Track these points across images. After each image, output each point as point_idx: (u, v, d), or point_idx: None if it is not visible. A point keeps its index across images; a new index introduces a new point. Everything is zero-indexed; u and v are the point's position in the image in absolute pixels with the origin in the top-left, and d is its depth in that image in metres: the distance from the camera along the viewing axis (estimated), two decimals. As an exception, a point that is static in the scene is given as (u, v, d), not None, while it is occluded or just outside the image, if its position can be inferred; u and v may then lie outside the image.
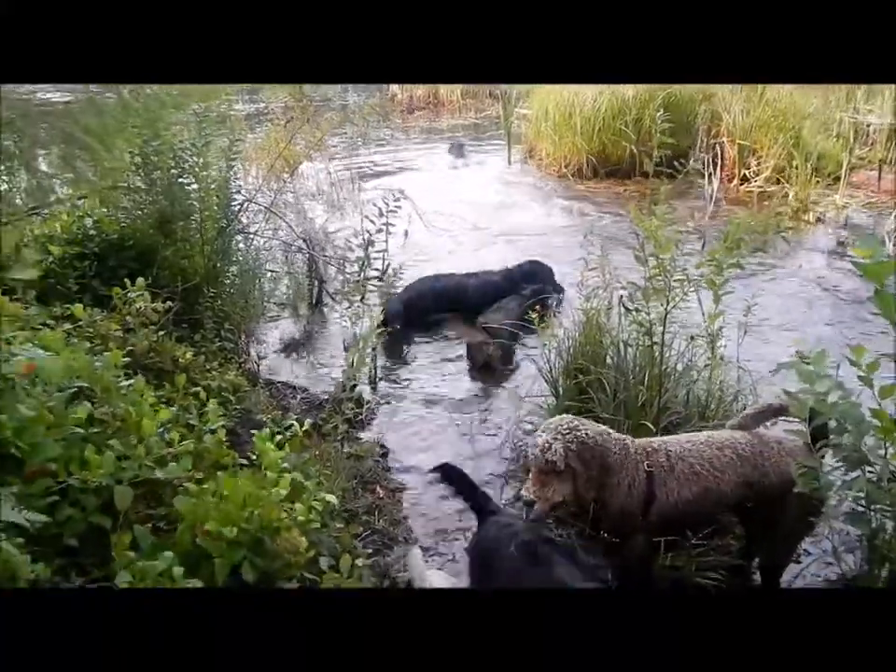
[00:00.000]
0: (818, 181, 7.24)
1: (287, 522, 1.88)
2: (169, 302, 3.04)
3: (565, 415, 2.49)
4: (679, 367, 2.99)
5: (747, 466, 2.41)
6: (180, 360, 2.95)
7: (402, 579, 2.02)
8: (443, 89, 15.29)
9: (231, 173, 4.13)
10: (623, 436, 2.46)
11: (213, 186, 4.01)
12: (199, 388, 2.50)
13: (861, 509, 2.15)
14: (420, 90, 15.41)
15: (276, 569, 1.81)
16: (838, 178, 7.50)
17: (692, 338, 3.01)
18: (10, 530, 1.51)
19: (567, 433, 2.33)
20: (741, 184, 8.15)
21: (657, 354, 2.82)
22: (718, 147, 8.27)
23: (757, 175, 8.07)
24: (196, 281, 3.76)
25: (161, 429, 2.07)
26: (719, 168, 7.54)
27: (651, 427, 2.78)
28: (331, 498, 2.08)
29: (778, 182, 7.74)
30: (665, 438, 2.56)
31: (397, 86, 15.60)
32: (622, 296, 3.13)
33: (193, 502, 1.76)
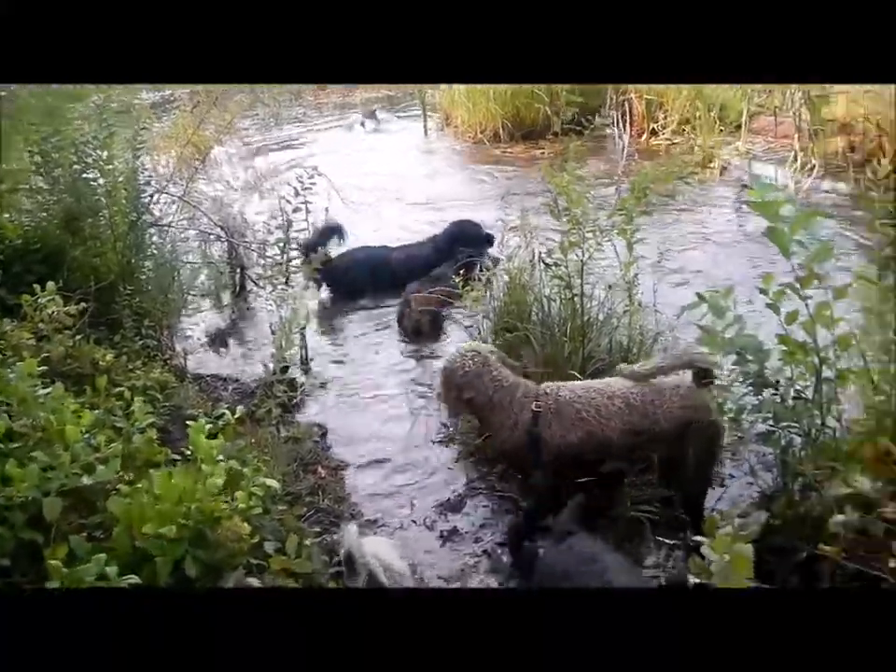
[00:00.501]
0: (720, 130, 7.45)
1: (226, 511, 1.88)
2: (83, 304, 2.95)
3: (475, 345, 2.74)
4: (601, 316, 3.09)
5: (635, 414, 2.54)
6: (100, 363, 2.87)
7: (342, 554, 2.04)
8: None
9: (139, 164, 4.00)
10: (521, 379, 2.65)
11: (120, 179, 3.89)
12: (123, 389, 2.44)
13: (771, 428, 2.30)
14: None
15: (220, 559, 1.81)
16: (740, 126, 7.77)
17: (609, 287, 3.11)
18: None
19: (463, 360, 2.61)
20: (651, 137, 8.34)
21: (578, 305, 2.90)
22: (626, 103, 8.43)
23: (664, 128, 8.26)
24: (110, 279, 3.65)
25: (87, 435, 2.03)
26: (628, 123, 7.67)
27: (578, 375, 2.87)
28: (271, 483, 2.08)
29: (685, 133, 7.94)
30: (562, 383, 2.69)
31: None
32: (540, 252, 3.19)
33: (127, 503, 1.74)
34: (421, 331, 4.42)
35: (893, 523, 1.85)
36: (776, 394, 2.28)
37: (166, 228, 4.60)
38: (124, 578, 1.53)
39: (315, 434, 3.38)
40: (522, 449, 2.61)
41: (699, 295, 2.33)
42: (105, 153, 3.77)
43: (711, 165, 7.22)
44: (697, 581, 1.93)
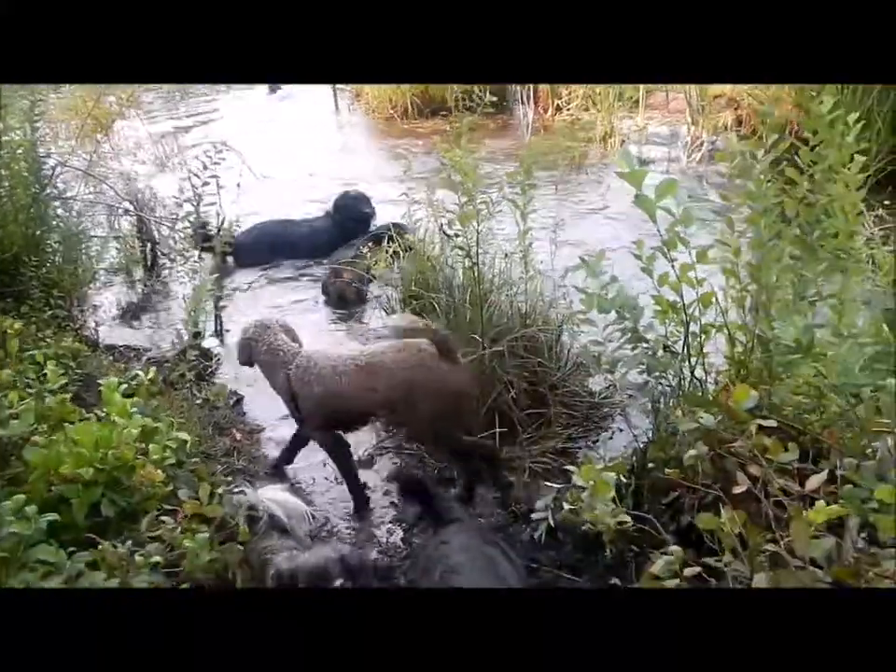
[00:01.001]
0: (620, 105, 7.81)
1: (140, 461, 2.01)
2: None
3: (265, 319, 3.10)
4: (499, 283, 3.32)
5: (363, 374, 2.81)
6: (8, 331, 2.90)
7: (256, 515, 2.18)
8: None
9: (37, 136, 3.95)
10: (289, 345, 2.95)
11: (18, 151, 3.83)
12: (35, 352, 2.51)
13: (645, 379, 2.58)
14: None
15: (136, 504, 1.94)
16: (638, 102, 8.20)
17: (506, 255, 3.34)
18: None
19: (248, 329, 2.99)
20: (556, 113, 8.66)
21: (476, 273, 3.12)
22: (532, 80, 8.73)
23: (569, 105, 8.59)
24: (14, 251, 3.63)
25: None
26: (532, 100, 7.93)
27: (479, 339, 3.09)
28: (184, 436, 2.22)
29: (587, 109, 8.29)
30: (328, 348, 3.05)
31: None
32: (441, 224, 3.38)
33: (44, 452, 1.84)
34: (346, 299, 4.64)
35: (740, 455, 2.13)
36: (647, 348, 2.56)
37: (70, 201, 4.57)
38: (44, 516, 1.65)
39: (230, 399, 3.49)
40: (288, 404, 2.98)
41: (581, 259, 2.58)
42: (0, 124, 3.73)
43: (612, 140, 7.62)
44: (572, 507, 2.20)
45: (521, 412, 3.16)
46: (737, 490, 1.90)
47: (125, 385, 2.27)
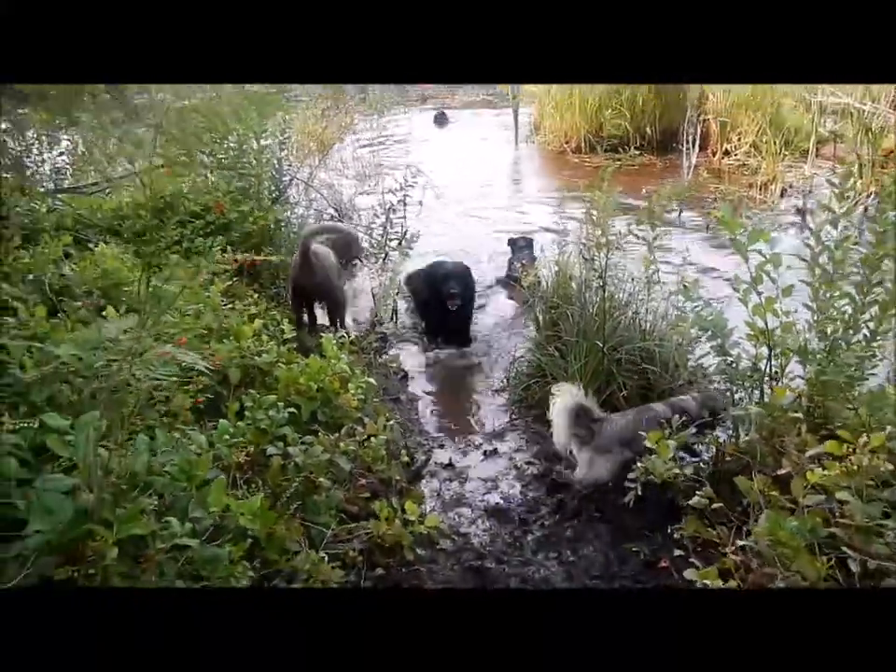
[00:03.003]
0: (785, 155, 8.09)
1: (343, 390, 2.92)
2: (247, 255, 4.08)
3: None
4: (623, 301, 3.99)
5: None
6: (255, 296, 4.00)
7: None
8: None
9: (283, 154, 5.15)
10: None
11: (267, 167, 5.05)
12: (274, 314, 3.55)
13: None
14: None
15: (338, 417, 2.85)
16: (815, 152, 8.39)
17: (633, 279, 4.00)
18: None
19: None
20: (724, 157, 9.05)
21: (604, 291, 3.82)
22: (703, 124, 9.19)
23: (737, 149, 8.95)
24: (256, 241, 4.79)
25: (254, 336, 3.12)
26: (697, 142, 8.39)
27: (600, 345, 3.79)
28: (371, 380, 3.12)
29: (755, 156, 8.62)
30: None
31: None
32: (580, 250, 4.09)
33: (288, 371, 2.80)
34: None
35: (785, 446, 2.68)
36: (731, 362, 3.14)
37: (294, 205, 5.78)
38: (286, 409, 2.57)
39: (400, 373, 4.44)
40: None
41: (684, 285, 3.22)
42: (260, 143, 4.95)
43: (772, 188, 7.93)
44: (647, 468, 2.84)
45: (628, 408, 3.80)
46: (780, 472, 2.48)
47: (335, 342, 3.20)
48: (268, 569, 2.05)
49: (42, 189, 4.89)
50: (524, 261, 5.38)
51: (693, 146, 8.14)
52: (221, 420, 2.37)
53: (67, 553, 1.66)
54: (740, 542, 2.17)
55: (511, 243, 6.19)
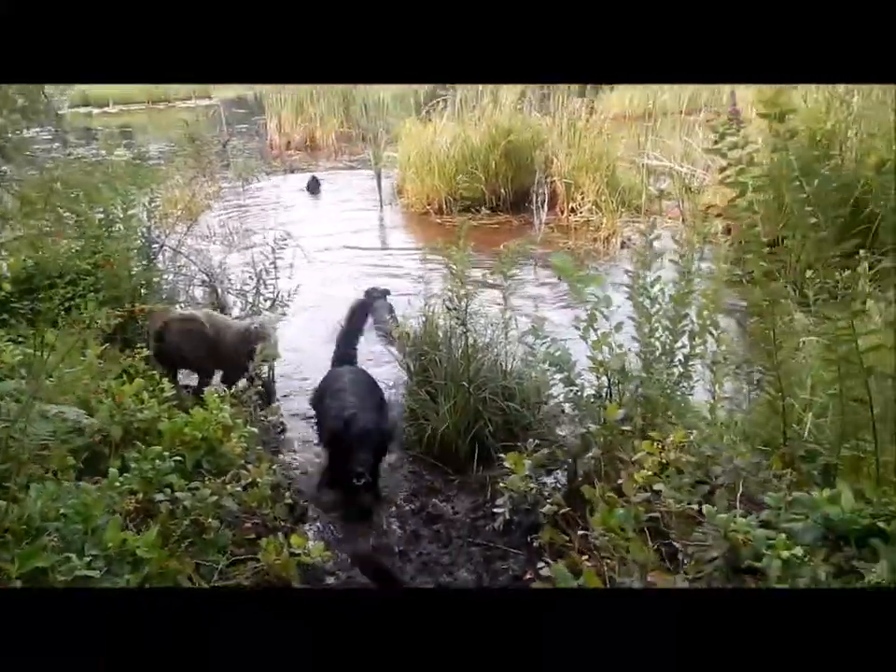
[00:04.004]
0: (622, 211, 9.01)
1: (227, 439, 3.10)
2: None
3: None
4: (481, 344, 4.41)
5: None
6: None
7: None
8: (319, 132, 16.69)
9: (151, 223, 5.28)
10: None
11: (141, 229, 5.17)
12: (153, 372, 3.67)
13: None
14: (297, 134, 16.72)
15: (223, 464, 3.01)
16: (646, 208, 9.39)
17: (491, 324, 4.45)
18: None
19: None
20: (570, 214, 9.93)
21: (466, 337, 4.22)
22: (550, 184, 10.06)
23: (581, 207, 9.86)
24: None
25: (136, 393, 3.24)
26: (546, 202, 9.18)
27: (466, 384, 4.16)
28: (253, 429, 3.31)
29: (596, 213, 9.52)
30: None
31: (275, 131, 16.87)
32: (444, 300, 4.49)
33: (171, 425, 2.95)
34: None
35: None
36: (576, 390, 3.58)
37: (161, 272, 5.87)
38: (171, 458, 2.72)
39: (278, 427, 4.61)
40: None
41: (533, 325, 3.67)
42: (130, 211, 5.07)
43: (613, 241, 8.81)
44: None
45: (497, 442, 4.16)
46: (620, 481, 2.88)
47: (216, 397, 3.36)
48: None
49: None
50: (389, 314, 5.78)
51: (543, 205, 8.89)
52: (111, 469, 2.50)
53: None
54: (586, 537, 2.53)
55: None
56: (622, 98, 17.55)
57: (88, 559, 1.88)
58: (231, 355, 4.79)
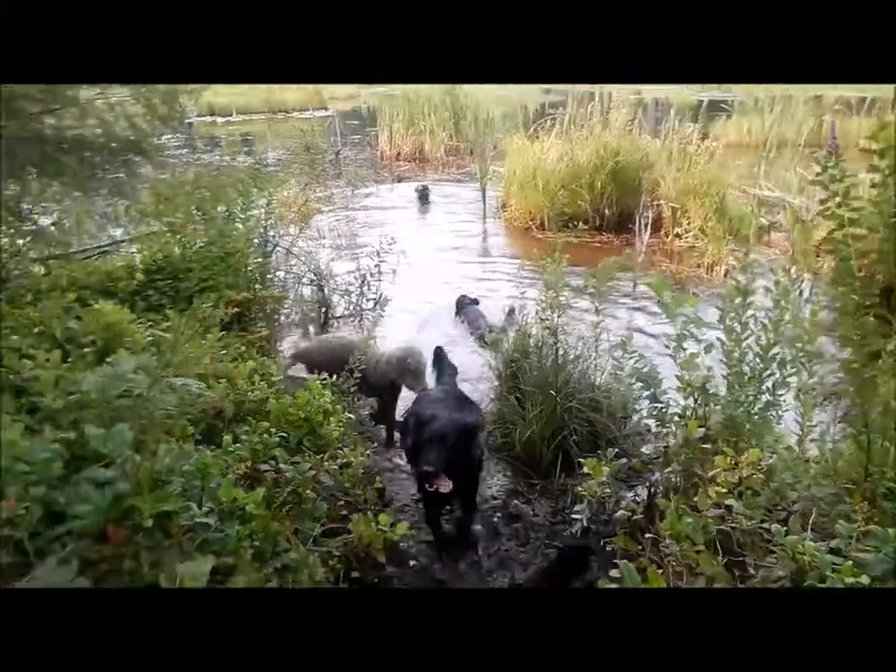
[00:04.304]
0: (728, 239, 8.86)
1: (326, 422, 3.36)
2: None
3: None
4: (572, 356, 4.52)
5: None
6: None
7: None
8: (428, 145, 17.19)
9: (269, 223, 5.69)
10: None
11: (260, 229, 5.59)
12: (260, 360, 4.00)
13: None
14: (407, 146, 17.28)
15: (321, 444, 3.27)
16: (757, 237, 9.20)
17: (581, 338, 4.55)
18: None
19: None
20: (675, 238, 9.85)
21: (556, 347, 4.35)
22: (656, 208, 10.03)
23: (687, 233, 9.76)
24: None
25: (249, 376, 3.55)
26: (649, 225, 9.14)
27: (553, 394, 4.29)
28: (350, 415, 3.57)
29: (702, 239, 9.40)
30: None
31: (386, 142, 17.50)
32: (537, 311, 4.63)
33: (279, 403, 3.24)
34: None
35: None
36: (661, 407, 3.64)
37: (274, 270, 6.30)
38: (276, 434, 2.99)
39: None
40: None
41: (622, 339, 3.77)
42: (250, 212, 5.50)
43: (717, 269, 8.68)
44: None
45: (581, 452, 4.26)
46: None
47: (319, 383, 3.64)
48: (261, 559, 2.44)
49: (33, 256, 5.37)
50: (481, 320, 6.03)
51: (646, 227, 8.88)
52: (226, 437, 2.79)
53: (104, 534, 2.05)
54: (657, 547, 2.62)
55: (458, 301, 6.83)
56: (739, 126, 17.24)
57: (205, 510, 2.15)
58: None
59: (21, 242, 5.30)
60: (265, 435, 2.97)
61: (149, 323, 4.38)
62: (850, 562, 2.03)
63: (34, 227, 5.91)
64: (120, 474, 2.14)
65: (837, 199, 2.75)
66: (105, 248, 6.23)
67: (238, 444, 2.87)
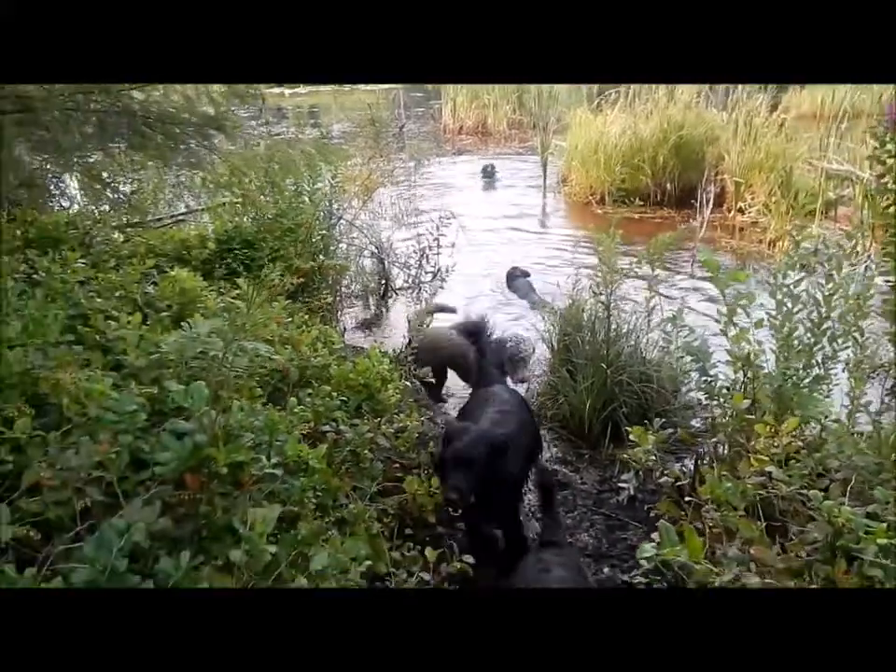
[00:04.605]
0: (793, 214, 8.65)
1: (384, 388, 3.56)
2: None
3: None
4: (625, 329, 4.59)
5: None
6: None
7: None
8: (491, 119, 17.15)
9: (334, 197, 5.90)
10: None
11: (320, 206, 5.80)
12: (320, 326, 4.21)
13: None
14: (470, 120, 17.27)
15: (379, 408, 3.47)
16: (823, 212, 8.96)
17: (634, 312, 4.62)
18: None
19: None
20: (738, 214, 9.68)
21: (608, 321, 4.44)
22: (719, 183, 9.85)
23: (751, 208, 9.56)
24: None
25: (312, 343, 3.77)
26: (712, 200, 8.99)
27: (604, 366, 4.38)
28: (407, 383, 3.75)
29: (766, 214, 9.21)
30: None
31: (449, 115, 17.54)
32: (590, 285, 4.70)
33: (340, 369, 3.44)
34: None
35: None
36: (710, 380, 3.70)
37: (337, 241, 6.51)
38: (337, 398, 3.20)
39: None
40: None
41: (673, 315, 3.83)
42: (316, 185, 5.72)
43: (780, 245, 8.51)
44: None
45: (630, 424, 4.35)
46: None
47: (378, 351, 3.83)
48: (323, 511, 2.65)
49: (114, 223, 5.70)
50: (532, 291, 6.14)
51: (708, 203, 8.75)
52: (291, 399, 3.01)
53: (183, 480, 2.27)
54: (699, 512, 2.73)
55: (509, 273, 6.93)
56: (813, 97, 16.57)
57: (273, 462, 2.35)
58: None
59: (104, 209, 5.66)
60: (327, 398, 3.18)
61: (221, 290, 4.67)
62: (884, 524, 2.11)
63: (116, 196, 6.30)
64: (198, 427, 2.36)
65: (895, 174, 2.76)
66: (180, 217, 6.58)
67: (302, 406, 3.08)
